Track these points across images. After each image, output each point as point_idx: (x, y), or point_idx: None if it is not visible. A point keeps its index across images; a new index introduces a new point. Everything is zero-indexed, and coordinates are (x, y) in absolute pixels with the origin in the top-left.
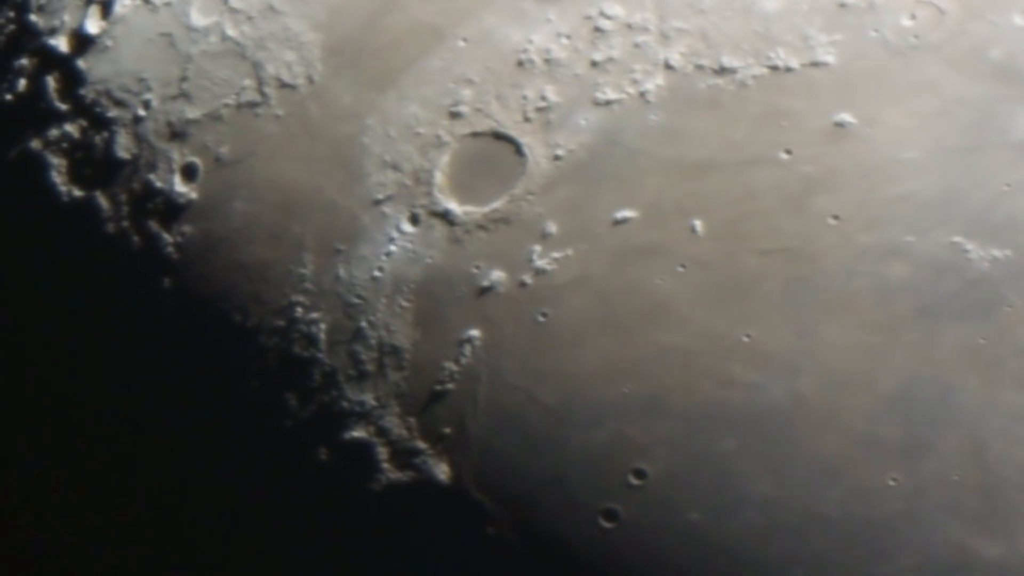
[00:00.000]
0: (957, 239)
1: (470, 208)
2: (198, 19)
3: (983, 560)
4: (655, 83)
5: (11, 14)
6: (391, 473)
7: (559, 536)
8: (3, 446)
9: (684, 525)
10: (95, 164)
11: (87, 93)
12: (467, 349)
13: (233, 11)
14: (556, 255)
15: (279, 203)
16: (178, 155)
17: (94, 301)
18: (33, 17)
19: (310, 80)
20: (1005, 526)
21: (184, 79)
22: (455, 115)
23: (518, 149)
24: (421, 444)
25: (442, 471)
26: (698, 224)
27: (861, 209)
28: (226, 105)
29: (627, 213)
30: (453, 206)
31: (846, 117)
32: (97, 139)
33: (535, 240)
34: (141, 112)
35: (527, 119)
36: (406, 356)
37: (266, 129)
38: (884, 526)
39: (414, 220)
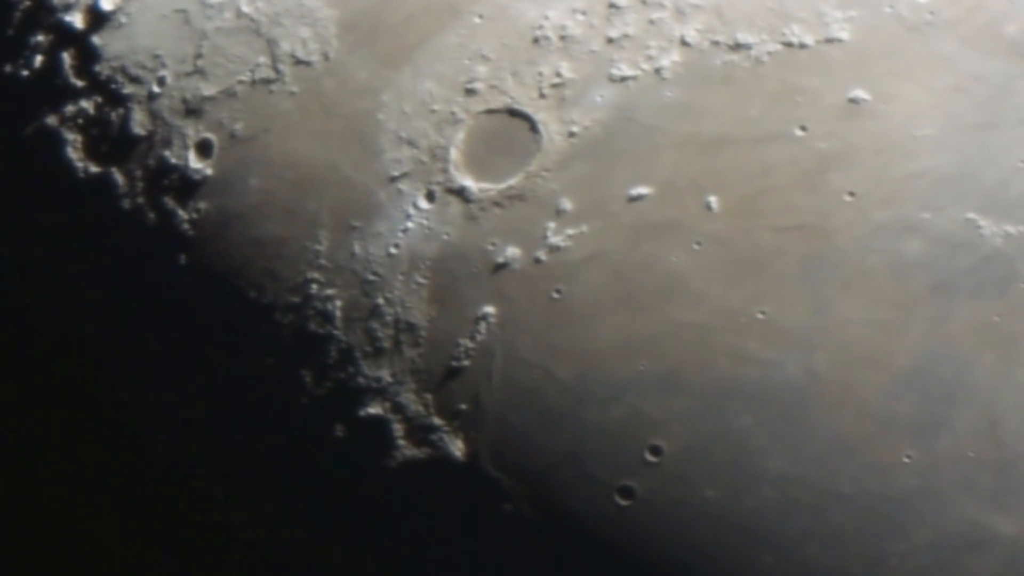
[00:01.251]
0: (972, 215)
1: (486, 185)
2: None
3: (998, 536)
4: (670, 59)
5: None
6: (407, 450)
7: (575, 513)
8: (14, 417)
9: (700, 502)
10: (111, 140)
11: (102, 69)
12: (483, 326)
13: None
14: (571, 232)
15: (294, 179)
16: (193, 131)
17: (109, 277)
18: None
19: (325, 56)
20: (1020, 502)
21: (199, 56)
22: (470, 92)
23: (533, 126)
24: (437, 420)
25: (458, 448)
26: (713, 200)
27: (876, 185)
28: (241, 82)
29: (642, 190)
30: (469, 183)
31: (861, 93)
32: (113, 115)
33: (550, 217)
34: (156, 89)
35: (542, 96)
36: (422, 333)
37: (281, 106)
38: (899, 502)
39: (430, 197)
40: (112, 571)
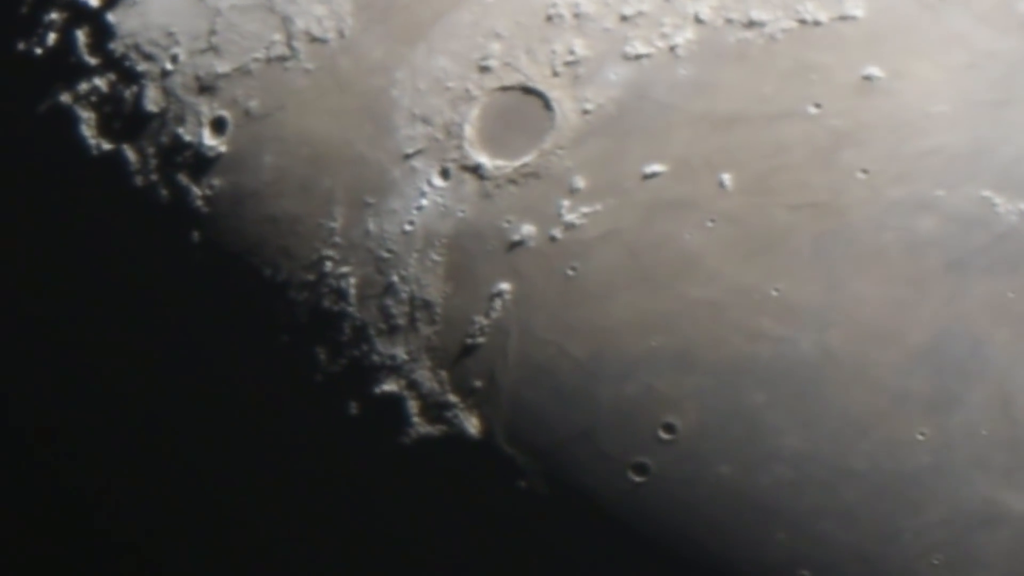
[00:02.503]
0: (986, 193)
1: (500, 162)
2: None
3: (1011, 513)
4: (684, 37)
5: None
6: (422, 427)
7: (589, 490)
8: (27, 397)
9: (714, 479)
10: (124, 118)
11: (116, 47)
12: (498, 303)
13: None
14: (585, 209)
15: (309, 157)
16: (207, 109)
17: (123, 254)
18: None
19: (340, 34)
20: None
21: (213, 33)
22: (484, 69)
23: (547, 103)
24: (452, 398)
25: (473, 425)
26: (727, 178)
27: (890, 163)
28: (255, 59)
29: (656, 167)
30: (484, 160)
31: (875, 71)
32: (126, 93)
33: (564, 194)
34: (169, 66)
35: (556, 73)
36: (437, 310)
37: (296, 83)
38: (913, 479)
39: (444, 174)
40: (123, 546)
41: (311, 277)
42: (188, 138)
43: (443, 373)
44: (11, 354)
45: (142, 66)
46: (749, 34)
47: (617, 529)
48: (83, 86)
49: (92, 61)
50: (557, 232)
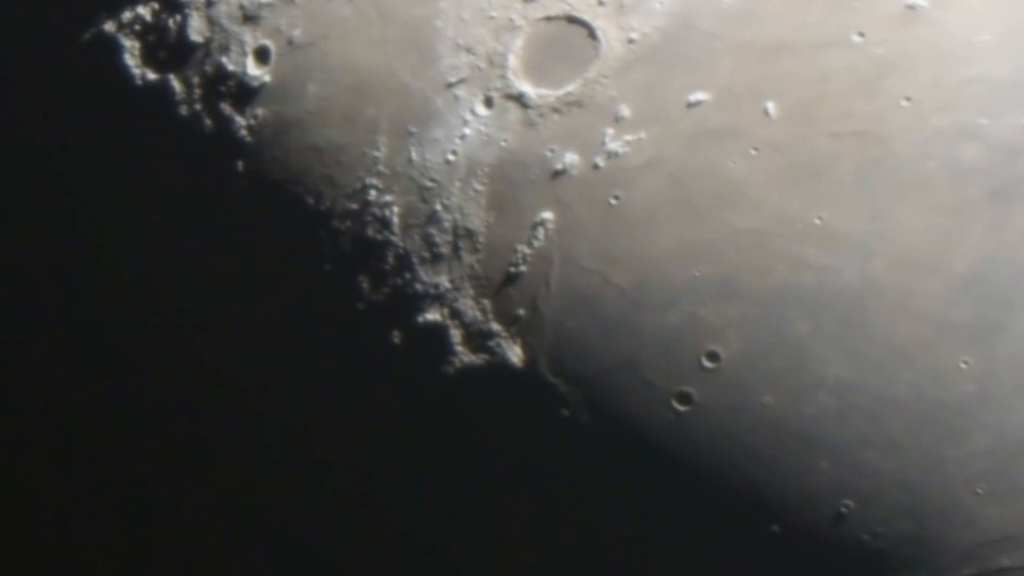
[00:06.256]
0: None
1: (544, 91)
2: None
3: None
4: None
5: None
6: (465, 356)
7: (632, 419)
8: (75, 317)
9: (758, 408)
10: (168, 47)
11: None
12: (540, 232)
13: None
14: (629, 138)
15: (352, 86)
16: (251, 38)
17: (167, 184)
18: None
19: None
20: None
21: None
22: None
23: (592, 32)
24: (495, 327)
25: (515, 354)
26: (771, 106)
27: (933, 91)
28: None
29: (700, 96)
30: (527, 89)
31: None
32: (170, 22)
33: (608, 123)
34: None
35: (601, 2)
36: (480, 239)
37: (339, 12)
38: (957, 408)
39: (488, 103)
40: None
41: (354, 206)
42: (232, 68)
43: (486, 302)
44: (54, 283)
45: None
46: None
47: (660, 458)
48: (127, 15)
49: None
50: (600, 161)
